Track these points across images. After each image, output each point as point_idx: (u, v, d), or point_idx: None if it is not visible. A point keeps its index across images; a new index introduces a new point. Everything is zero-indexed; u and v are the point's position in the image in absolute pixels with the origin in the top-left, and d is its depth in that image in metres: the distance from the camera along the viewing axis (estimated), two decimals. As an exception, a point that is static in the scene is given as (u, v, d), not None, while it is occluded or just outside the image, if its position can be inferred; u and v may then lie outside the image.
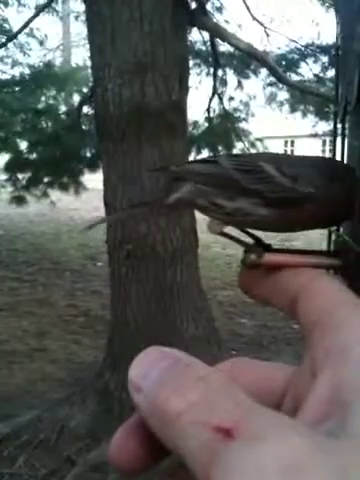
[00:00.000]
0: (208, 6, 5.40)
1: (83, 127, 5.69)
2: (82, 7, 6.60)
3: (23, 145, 6.15)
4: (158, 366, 0.26)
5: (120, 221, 2.77)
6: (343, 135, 0.44)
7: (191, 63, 6.08)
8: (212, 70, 5.76)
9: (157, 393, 0.24)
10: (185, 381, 0.24)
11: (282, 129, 19.28)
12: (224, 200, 0.42)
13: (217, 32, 3.47)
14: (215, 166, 0.44)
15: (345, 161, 0.43)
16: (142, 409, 0.25)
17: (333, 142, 0.48)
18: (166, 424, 0.24)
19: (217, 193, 0.42)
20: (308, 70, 6.34)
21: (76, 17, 11.45)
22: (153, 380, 0.25)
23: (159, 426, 0.24)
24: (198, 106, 5.71)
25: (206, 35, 5.57)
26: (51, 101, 6.79)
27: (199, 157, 6.12)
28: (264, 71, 6.08)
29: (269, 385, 0.31)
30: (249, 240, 0.42)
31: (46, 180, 6.12)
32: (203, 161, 0.47)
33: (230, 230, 0.44)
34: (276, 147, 17.40)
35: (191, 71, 5.92)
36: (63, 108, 6.81)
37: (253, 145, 6.20)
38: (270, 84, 6.88)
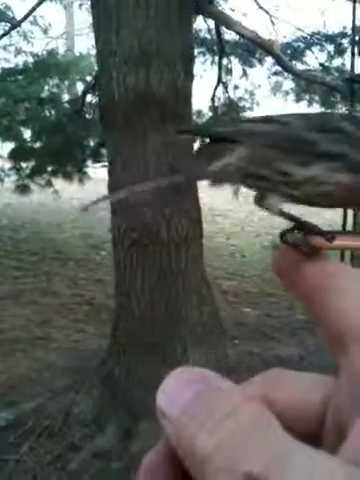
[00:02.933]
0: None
1: (87, 116, 5.68)
2: (86, -5, 6.57)
3: (27, 134, 6.14)
4: (186, 392, 0.24)
5: (123, 202, 2.77)
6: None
7: (196, 51, 6.05)
8: (217, 58, 5.73)
9: (184, 426, 0.23)
10: (214, 414, 0.23)
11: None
12: (295, 166, 0.35)
13: (222, 20, 3.45)
14: (282, 125, 0.36)
15: None
16: (170, 437, 0.24)
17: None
18: (193, 463, 0.22)
19: (285, 158, 0.35)
20: (314, 59, 6.31)
21: (80, 5, 11.41)
22: (181, 410, 0.24)
23: (187, 461, 0.23)
24: (203, 95, 5.68)
25: (211, 23, 5.54)
26: (55, 90, 6.77)
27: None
28: (269, 60, 6.04)
29: (307, 406, 0.28)
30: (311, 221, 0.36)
31: (50, 169, 6.11)
32: (262, 120, 0.38)
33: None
34: (280, 137, 17.32)
35: (196, 60, 5.90)
36: (66, 97, 6.80)
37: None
38: (275, 73, 6.84)
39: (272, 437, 0.22)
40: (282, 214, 0.37)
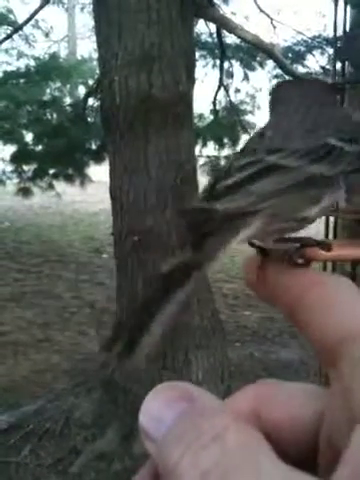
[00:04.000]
0: (215, -3, 5.37)
1: (88, 119, 5.69)
2: (88, -2, 6.58)
3: (28, 137, 6.15)
4: (169, 413, 0.23)
5: (124, 205, 2.78)
6: None
7: (197, 55, 6.06)
8: (218, 62, 5.74)
9: (169, 450, 0.22)
10: (199, 438, 0.21)
11: (288, 122, 19.22)
12: (310, 207, 0.33)
13: (224, 24, 3.46)
14: (282, 171, 0.33)
15: None
16: (155, 459, 0.23)
17: None
18: None
19: (301, 205, 0.33)
20: (315, 62, 6.32)
21: (82, 8, 11.45)
22: (165, 432, 0.22)
23: None
24: (204, 98, 5.69)
25: (213, 27, 5.55)
26: (56, 93, 6.79)
27: (204, 150, 6.07)
28: (270, 63, 6.05)
29: (300, 423, 0.26)
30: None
31: (51, 172, 6.12)
32: (259, 172, 0.34)
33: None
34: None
35: (197, 63, 5.90)
36: (68, 100, 6.81)
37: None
38: (276, 76, 6.85)
39: (262, 464, 0.20)
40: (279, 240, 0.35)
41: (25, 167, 6.12)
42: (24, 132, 6.16)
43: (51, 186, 6.42)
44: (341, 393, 0.23)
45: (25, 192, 6.36)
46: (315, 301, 0.27)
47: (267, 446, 0.21)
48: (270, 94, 0.43)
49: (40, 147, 5.92)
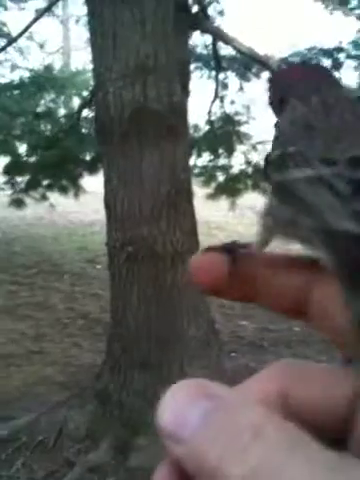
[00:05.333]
0: (210, 10, 5.42)
1: (83, 130, 5.70)
2: (82, 11, 6.64)
3: (22, 148, 6.15)
4: (197, 409, 0.21)
5: (118, 216, 2.77)
6: None
7: (192, 66, 6.10)
8: (214, 73, 5.77)
9: (205, 451, 0.20)
10: (238, 435, 0.20)
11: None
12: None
13: (219, 35, 3.48)
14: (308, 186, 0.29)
15: None
16: (186, 464, 0.21)
17: None
18: None
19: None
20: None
21: (76, 21, 11.49)
22: (196, 430, 0.21)
23: None
24: (199, 109, 5.71)
25: (208, 38, 5.59)
26: (51, 104, 6.81)
27: (199, 160, 6.07)
28: (266, 74, 6.09)
29: (328, 401, 0.25)
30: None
31: (45, 183, 6.11)
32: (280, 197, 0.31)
33: None
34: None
35: (193, 75, 5.94)
36: (63, 111, 6.83)
37: (254, 148, 6.20)
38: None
39: (310, 455, 0.19)
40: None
41: (18, 178, 6.11)
42: (18, 143, 6.17)
43: (45, 197, 6.41)
44: None
45: (18, 203, 6.34)
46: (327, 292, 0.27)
47: (308, 436, 0.20)
48: (274, 84, 0.40)
49: (34, 158, 5.92)
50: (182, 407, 0.22)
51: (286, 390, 0.25)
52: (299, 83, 0.36)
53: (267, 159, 0.34)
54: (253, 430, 0.20)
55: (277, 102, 0.38)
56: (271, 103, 0.40)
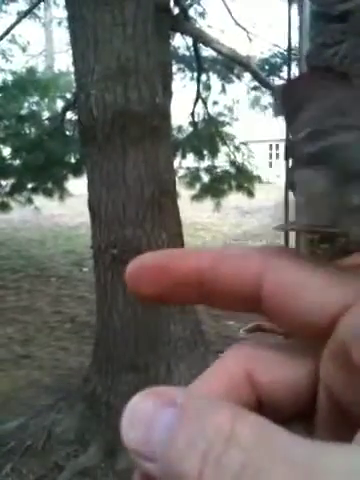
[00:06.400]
0: (191, 11, 5.44)
1: (67, 133, 5.69)
2: (65, 13, 6.61)
3: (6, 151, 6.12)
4: (160, 422, 0.19)
5: (102, 218, 2.78)
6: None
7: (175, 68, 6.11)
8: (196, 75, 5.79)
9: (180, 466, 0.19)
10: (210, 444, 0.18)
11: (267, 133, 19.41)
12: None
13: (200, 37, 3.50)
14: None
15: None
16: (159, 477, 0.20)
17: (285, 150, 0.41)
18: None
19: None
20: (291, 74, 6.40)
21: (59, 23, 11.45)
22: (164, 445, 0.19)
23: None
24: (182, 111, 5.73)
25: (189, 40, 5.61)
26: (34, 107, 6.78)
27: (184, 162, 6.09)
28: (247, 75, 6.12)
29: (294, 382, 0.24)
30: None
31: (30, 186, 6.09)
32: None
33: None
34: (261, 151, 17.53)
35: (175, 76, 5.96)
36: (46, 114, 6.80)
37: (238, 149, 6.23)
38: (253, 88, 6.93)
39: (287, 449, 0.18)
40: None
41: (3, 182, 6.08)
42: (1, 146, 6.13)
43: (30, 200, 6.39)
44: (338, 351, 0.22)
45: (3, 207, 6.31)
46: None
47: (280, 428, 0.19)
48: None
49: (18, 161, 5.89)
50: (145, 422, 0.20)
51: (250, 372, 0.25)
52: (313, 88, 0.36)
53: (292, 141, 0.34)
54: (224, 435, 0.19)
55: (292, 110, 0.38)
56: (285, 113, 0.40)
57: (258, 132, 18.27)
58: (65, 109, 5.54)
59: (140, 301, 0.28)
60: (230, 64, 5.73)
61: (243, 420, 0.19)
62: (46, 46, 18.40)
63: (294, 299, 0.24)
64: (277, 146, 22.96)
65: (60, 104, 6.76)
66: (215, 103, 6.66)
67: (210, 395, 0.24)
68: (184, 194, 5.05)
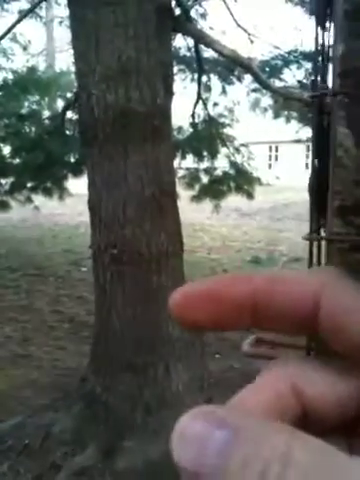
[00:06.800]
0: (192, 12, 5.44)
1: (67, 132, 5.68)
2: (66, 12, 6.61)
3: (6, 150, 6.11)
4: (214, 443, 0.20)
5: (102, 218, 2.77)
6: (327, 139, 0.39)
7: (175, 69, 6.11)
8: (196, 76, 5.78)
9: None
10: (268, 468, 0.19)
11: (266, 135, 19.43)
12: None
13: (201, 38, 3.50)
14: None
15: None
16: None
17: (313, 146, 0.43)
18: None
19: None
20: (291, 76, 6.41)
21: (60, 22, 11.46)
22: (219, 463, 0.19)
23: None
24: (183, 111, 5.73)
25: (190, 41, 5.61)
26: (34, 106, 6.77)
27: (183, 162, 6.10)
28: (248, 77, 6.12)
29: (342, 398, 0.25)
30: None
31: (30, 185, 6.09)
32: None
33: None
34: (261, 153, 17.54)
35: (176, 77, 5.96)
36: (47, 113, 6.80)
37: (238, 151, 6.23)
38: (254, 90, 6.94)
39: (345, 469, 0.19)
40: None
41: (2, 180, 6.08)
42: (2, 145, 6.13)
43: (29, 199, 6.39)
44: None
45: (3, 205, 6.31)
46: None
47: (337, 450, 0.19)
48: None
49: (18, 160, 5.89)
50: (197, 442, 0.20)
51: (300, 387, 0.25)
52: None
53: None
54: (282, 459, 0.19)
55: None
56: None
57: (258, 134, 18.28)
58: (65, 108, 5.53)
59: (188, 329, 0.28)
60: (231, 66, 5.73)
61: (300, 442, 0.19)
62: (47, 45, 18.41)
63: (350, 323, 0.24)
64: (276, 148, 22.97)
65: (60, 103, 6.75)
66: (215, 104, 6.66)
67: (257, 409, 0.24)
68: (183, 195, 5.06)
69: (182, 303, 0.27)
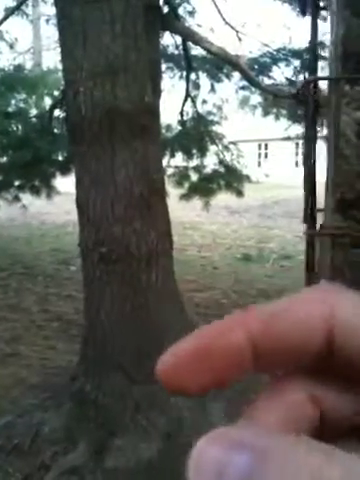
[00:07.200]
0: (180, 10, 5.44)
1: (54, 130, 5.66)
2: (53, 10, 6.58)
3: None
4: (234, 466, 0.18)
5: (91, 216, 2.76)
6: (315, 138, 0.38)
7: (164, 67, 6.11)
8: (185, 73, 5.78)
9: None
10: None
11: (255, 132, 19.46)
12: None
13: (189, 36, 3.50)
14: None
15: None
16: None
17: (305, 144, 0.42)
18: None
19: None
20: (280, 74, 6.43)
21: (47, 20, 11.37)
22: None
23: None
24: (171, 109, 5.72)
25: (179, 39, 5.60)
26: (22, 104, 6.74)
27: (172, 160, 6.10)
28: (237, 75, 6.13)
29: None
30: None
31: (17, 184, 6.06)
32: None
33: None
34: (250, 150, 17.58)
35: (164, 75, 5.95)
36: (34, 111, 6.77)
37: (227, 148, 6.23)
38: (243, 88, 6.94)
39: None
40: None
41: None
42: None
43: (17, 198, 6.35)
44: None
45: (-10, 204, 6.27)
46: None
47: None
48: None
49: (5, 159, 5.86)
50: (215, 468, 0.18)
51: (314, 395, 0.23)
52: None
53: None
54: (312, 476, 0.17)
55: None
56: None
57: (247, 131, 18.31)
58: (53, 107, 5.51)
59: (184, 396, 0.24)
60: (219, 63, 5.73)
61: (336, 461, 0.18)
62: (34, 43, 18.28)
63: None
64: (266, 145, 23.01)
65: (48, 102, 6.73)
66: (204, 102, 6.66)
67: (272, 421, 0.23)
68: (173, 193, 5.05)
69: (169, 371, 0.24)
